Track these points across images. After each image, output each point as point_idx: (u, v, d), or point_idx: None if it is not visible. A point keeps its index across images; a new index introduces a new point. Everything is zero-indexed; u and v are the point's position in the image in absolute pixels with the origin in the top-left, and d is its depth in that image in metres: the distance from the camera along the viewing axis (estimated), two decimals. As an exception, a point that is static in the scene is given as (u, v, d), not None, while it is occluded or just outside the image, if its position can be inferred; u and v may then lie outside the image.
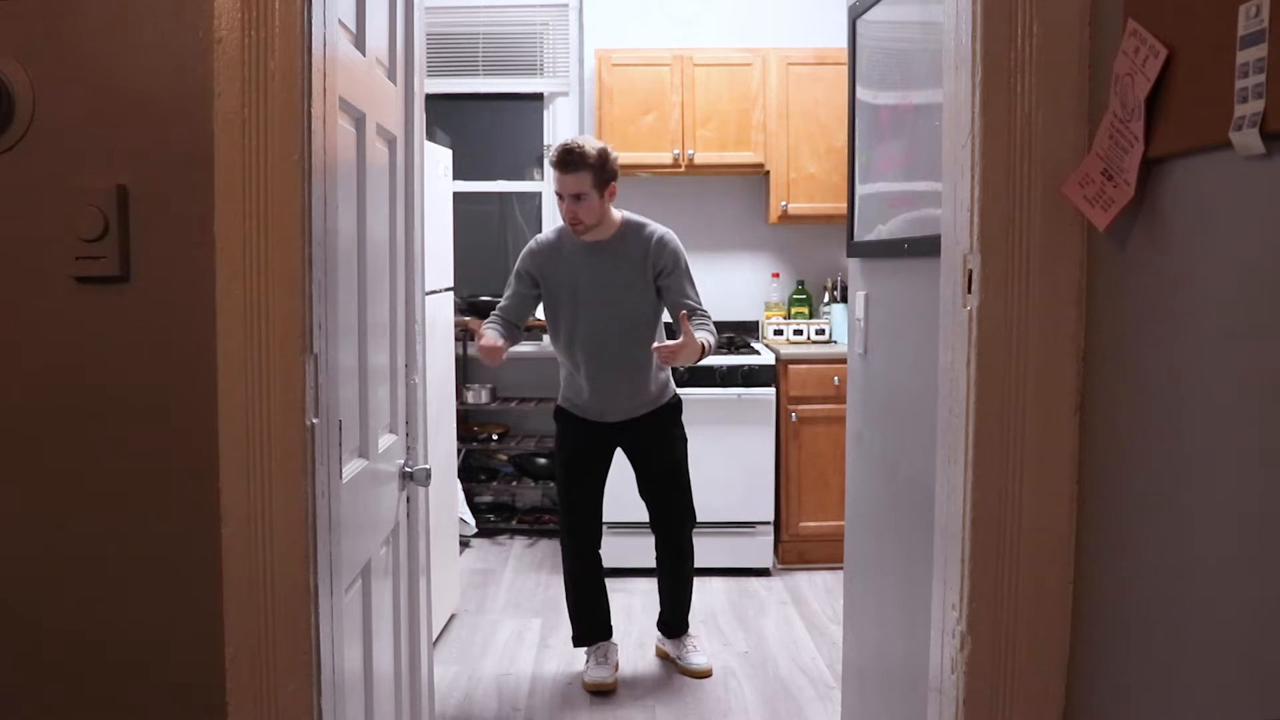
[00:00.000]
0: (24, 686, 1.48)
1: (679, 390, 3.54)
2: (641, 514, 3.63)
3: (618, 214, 3.31)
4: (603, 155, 3.17)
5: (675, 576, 3.58)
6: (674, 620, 3.61)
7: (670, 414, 3.44)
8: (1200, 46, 1.06)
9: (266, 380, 1.41)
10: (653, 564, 3.67)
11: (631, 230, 3.30)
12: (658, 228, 3.32)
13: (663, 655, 3.68)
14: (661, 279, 3.27)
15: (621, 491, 3.61)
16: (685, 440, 3.50)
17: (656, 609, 3.71)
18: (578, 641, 3.53)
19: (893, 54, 2.17)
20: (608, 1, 5.10)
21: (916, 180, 1.98)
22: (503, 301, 3.41)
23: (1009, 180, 1.38)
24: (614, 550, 3.62)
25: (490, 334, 3.22)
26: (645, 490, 3.51)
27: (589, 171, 3.13)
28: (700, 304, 3.31)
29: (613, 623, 3.60)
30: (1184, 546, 1.14)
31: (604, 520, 3.55)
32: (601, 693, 3.38)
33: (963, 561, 1.44)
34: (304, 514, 1.43)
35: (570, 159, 3.12)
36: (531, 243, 3.42)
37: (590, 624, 3.52)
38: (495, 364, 3.20)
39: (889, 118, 2.19)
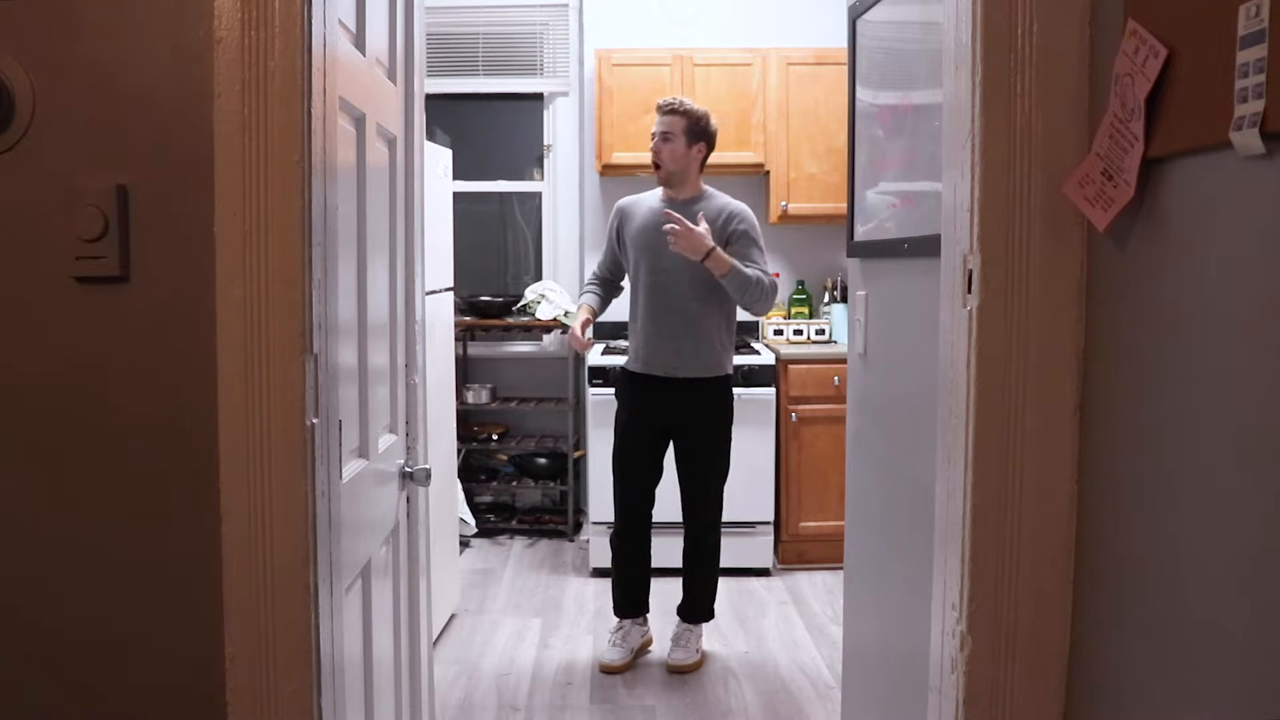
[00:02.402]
0: (23, 686, 1.48)
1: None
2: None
3: (705, 186, 3.58)
4: (702, 114, 3.50)
5: (694, 564, 3.69)
6: (690, 608, 3.69)
7: (717, 389, 3.59)
8: (1200, 46, 1.06)
9: (266, 380, 1.41)
10: (657, 564, 3.75)
11: (710, 197, 3.56)
12: (735, 201, 3.57)
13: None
14: (731, 243, 3.45)
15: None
16: (728, 426, 3.64)
17: (659, 610, 3.75)
18: (615, 610, 3.70)
19: (893, 54, 2.17)
20: (608, 1, 5.09)
21: (916, 180, 1.98)
22: (595, 268, 3.80)
23: (1009, 180, 1.38)
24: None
25: (576, 322, 3.58)
26: (679, 472, 3.64)
27: (683, 118, 3.46)
28: (763, 266, 3.47)
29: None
30: (1184, 546, 1.14)
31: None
32: (610, 673, 3.52)
33: (963, 562, 1.44)
34: (304, 514, 1.43)
35: (670, 104, 3.50)
36: (618, 204, 3.72)
37: (621, 596, 3.67)
38: (584, 349, 3.58)
39: (889, 118, 2.19)
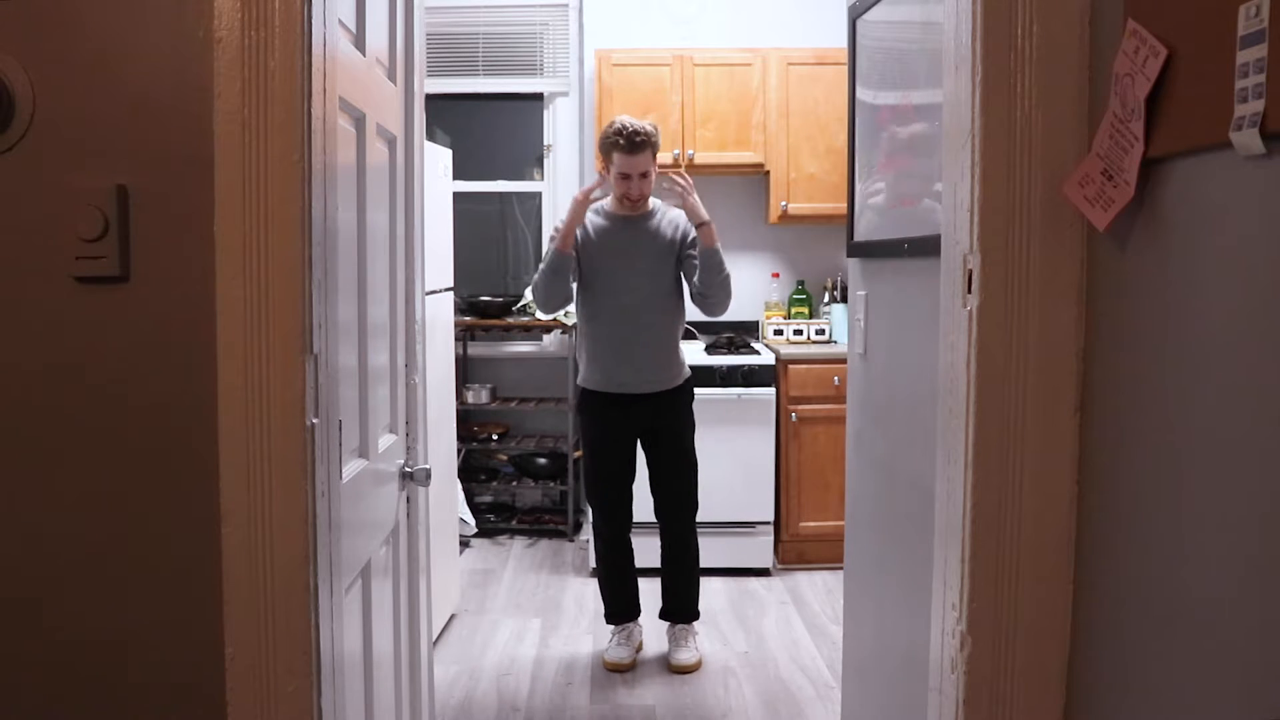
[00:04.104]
0: (23, 686, 1.48)
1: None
2: (643, 514, 3.67)
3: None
4: (658, 132, 3.43)
5: (680, 564, 3.66)
6: (681, 608, 3.67)
7: (686, 395, 3.59)
8: (1200, 46, 1.06)
9: (266, 380, 1.41)
10: (655, 564, 3.73)
11: (663, 209, 3.53)
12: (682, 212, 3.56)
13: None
14: (688, 249, 3.45)
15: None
16: (694, 426, 3.63)
17: (657, 610, 3.73)
18: (607, 619, 3.71)
19: (893, 54, 2.17)
20: (608, 1, 5.10)
21: (916, 180, 1.99)
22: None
23: (1009, 180, 1.38)
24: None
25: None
26: (654, 474, 3.62)
27: (652, 150, 3.38)
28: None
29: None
30: (1184, 546, 1.14)
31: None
32: (619, 670, 3.54)
33: (963, 561, 1.44)
34: (304, 514, 1.43)
35: (640, 139, 3.33)
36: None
37: (619, 604, 3.68)
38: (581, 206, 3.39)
39: (889, 118, 2.19)
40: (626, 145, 3.31)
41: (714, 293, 3.42)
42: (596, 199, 3.40)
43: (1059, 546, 1.40)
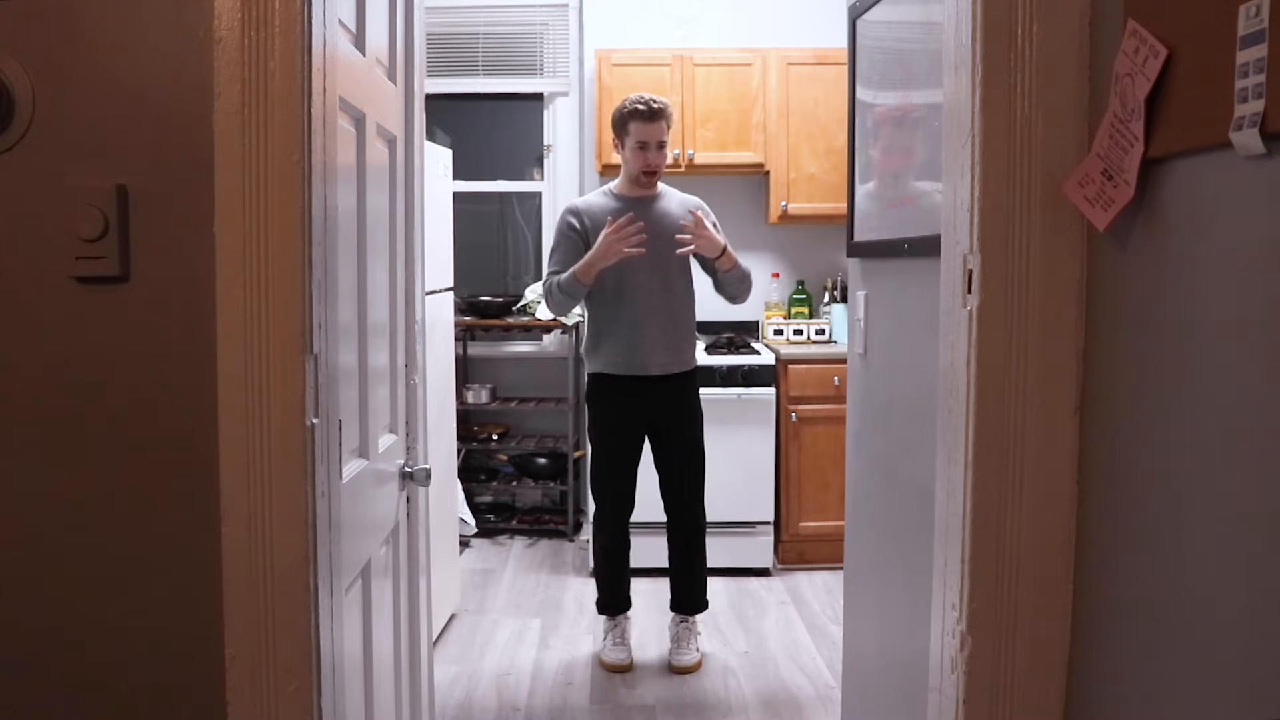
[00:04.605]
0: (22, 687, 1.48)
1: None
2: (643, 514, 3.67)
3: None
4: (671, 105, 3.49)
5: (690, 555, 3.66)
6: (691, 600, 3.67)
7: (695, 380, 3.63)
8: (1200, 46, 1.06)
9: (266, 380, 1.41)
10: (654, 564, 3.74)
11: (669, 190, 3.58)
12: (685, 194, 3.62)
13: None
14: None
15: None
16: (703, 416, 3.64)
17: (658, 610, 3.73)
18: (602, 609, 3.70)
19: (893, 54, 2.17)
20: (608, 1, 5.09)
21: (916, 180, 1.99)
22: (554, 268, 3.48)
23: (1009, 180, 1.38)
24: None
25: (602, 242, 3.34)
26: (664, 464, 3.61)
27: (666, 120, 3.42)
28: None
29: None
30: (1183, 547, 1.14)
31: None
32: (617, 671, 3.54)
33: (963, 562, 1.44)
34: (304, 514, 1.43)
35: (656, 108, 3.40)
36: (570, 206, 3.57)
37: (614, 594, 3.68)
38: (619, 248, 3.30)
39: (889, 118, 2.19)
40: (646, 112, 3.37)
41: (740, 295, 3.56)
42: (629, 236, 3.29)
43: (1059, 546, 1.40)
